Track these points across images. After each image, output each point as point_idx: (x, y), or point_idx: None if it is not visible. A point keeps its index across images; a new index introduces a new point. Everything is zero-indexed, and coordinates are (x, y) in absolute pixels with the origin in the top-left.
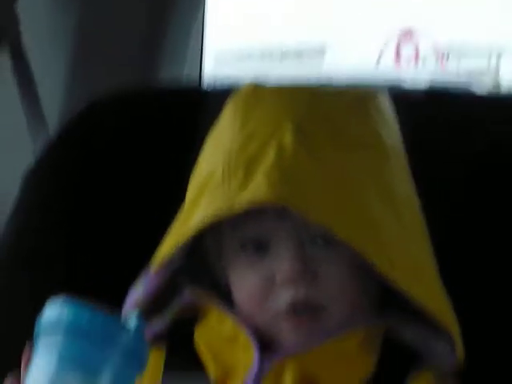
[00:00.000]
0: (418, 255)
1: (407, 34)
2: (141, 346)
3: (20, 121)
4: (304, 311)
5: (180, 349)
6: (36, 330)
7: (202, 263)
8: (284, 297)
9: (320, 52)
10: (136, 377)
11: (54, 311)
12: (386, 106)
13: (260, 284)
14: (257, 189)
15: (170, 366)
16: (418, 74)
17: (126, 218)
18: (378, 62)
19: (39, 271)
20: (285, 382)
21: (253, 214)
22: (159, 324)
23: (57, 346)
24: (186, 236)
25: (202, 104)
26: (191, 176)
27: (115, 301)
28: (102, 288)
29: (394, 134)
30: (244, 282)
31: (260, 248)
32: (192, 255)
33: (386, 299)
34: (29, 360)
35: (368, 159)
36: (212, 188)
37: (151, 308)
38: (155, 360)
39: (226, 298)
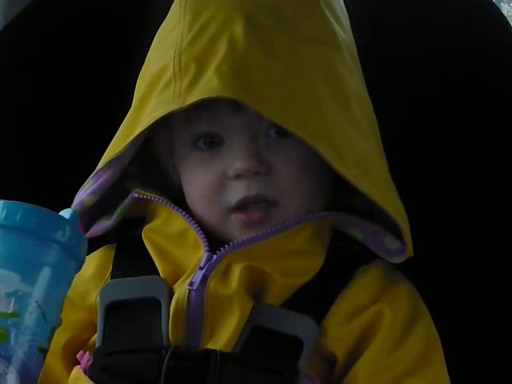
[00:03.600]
0: (368, 151)
1: None
2: (77, 240)
3: None
4: (255, 207)
5: (130, 248)
6: None
7: (154, 167)
8: (235, 192)
9: None
10: (74, 271)
11: None
12: None
13: (212, 179)
14: (208, 84)
15: (119, 265)
16: None
17: (71, 117)
18: None
19: None
20: (232, 278)
21: (206, 109)
22: (107, 223)
23: None
24: (137, 132)
25: None
26: (140, 72)
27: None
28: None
29: (345, 28)
30: (196, 178)
31: (213, 143)
32: (143, 158)
33: (335, 202)
34: None
35: (319, 52)
36: (163, 85)
37: (100, 209)
38: (104, 258)
39: (177, 200)
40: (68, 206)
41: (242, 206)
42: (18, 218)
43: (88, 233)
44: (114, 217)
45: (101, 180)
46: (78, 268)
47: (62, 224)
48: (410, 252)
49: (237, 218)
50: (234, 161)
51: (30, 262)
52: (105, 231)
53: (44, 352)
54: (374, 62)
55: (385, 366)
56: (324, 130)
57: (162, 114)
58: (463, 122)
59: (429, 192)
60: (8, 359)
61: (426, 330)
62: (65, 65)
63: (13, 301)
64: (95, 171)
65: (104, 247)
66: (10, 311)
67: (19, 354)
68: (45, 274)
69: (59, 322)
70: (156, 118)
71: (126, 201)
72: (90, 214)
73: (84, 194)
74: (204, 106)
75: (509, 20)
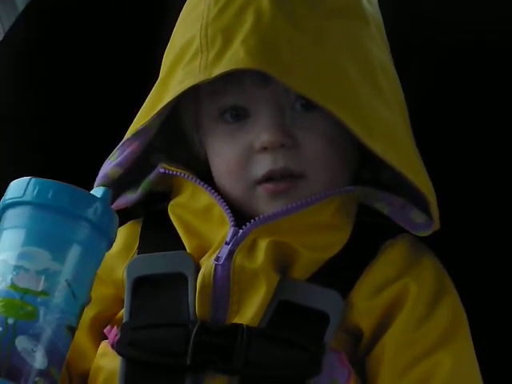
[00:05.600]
0: (395, 124)
1: None
2: (108, 218)
3: None
4: (281, 179)
5: (156, 223)
6: (1, 205)
7: (179, 141)
8: (262, 165)
9: None
10: (105, 249)
11: (19, 187)
12: None
13: (239, 153)
14: (235, 56)
15: (145, 240)
16: None
17: (99, 91)
18: None
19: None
20: (258, 253)
21: (232, 81)
22: (133, 196)
23: (24, 220)
24: (165, 102)
25: None
26: (167, 46)
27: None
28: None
29: (372, 1)
30: (223, 151)
31: (239, 116)
32: (169, 132)
33: (361, 176)
34: None
35: (346, 26)
36: (189, 57)
37: (125, 183)
38: (131, 233)
39: (203, 175)
40: (91, 181)
41: (268, 180)
42: (49, 195)
43: (113, 205)
44: (140, 190)
45: (127, 152)
46: (109, 246)
47: (93, 202)
48: (436, 225)
49: (263, 189)
50: (260, 133)
51: (61, 240)
52: (130, 204)
53: (73, 330)
54: (401, 35)
55: (411, 340)
56: (351, 102)
57: (189, 85)
58: (494, 97)
59: (455, 166)
60: (36, 337)
61: (451, 304)
62: (90, 43)
63: (43, 279)
64: (121, 142)
65: (130, 222)
66: (39, 289)
67: (48, 332)
68: (75, 252)
69: (89, 300)
70: (183, 89)
71: (152, 175)
72: (115, 187)
73: (109, 166)
74: (230, 79)
75: None
